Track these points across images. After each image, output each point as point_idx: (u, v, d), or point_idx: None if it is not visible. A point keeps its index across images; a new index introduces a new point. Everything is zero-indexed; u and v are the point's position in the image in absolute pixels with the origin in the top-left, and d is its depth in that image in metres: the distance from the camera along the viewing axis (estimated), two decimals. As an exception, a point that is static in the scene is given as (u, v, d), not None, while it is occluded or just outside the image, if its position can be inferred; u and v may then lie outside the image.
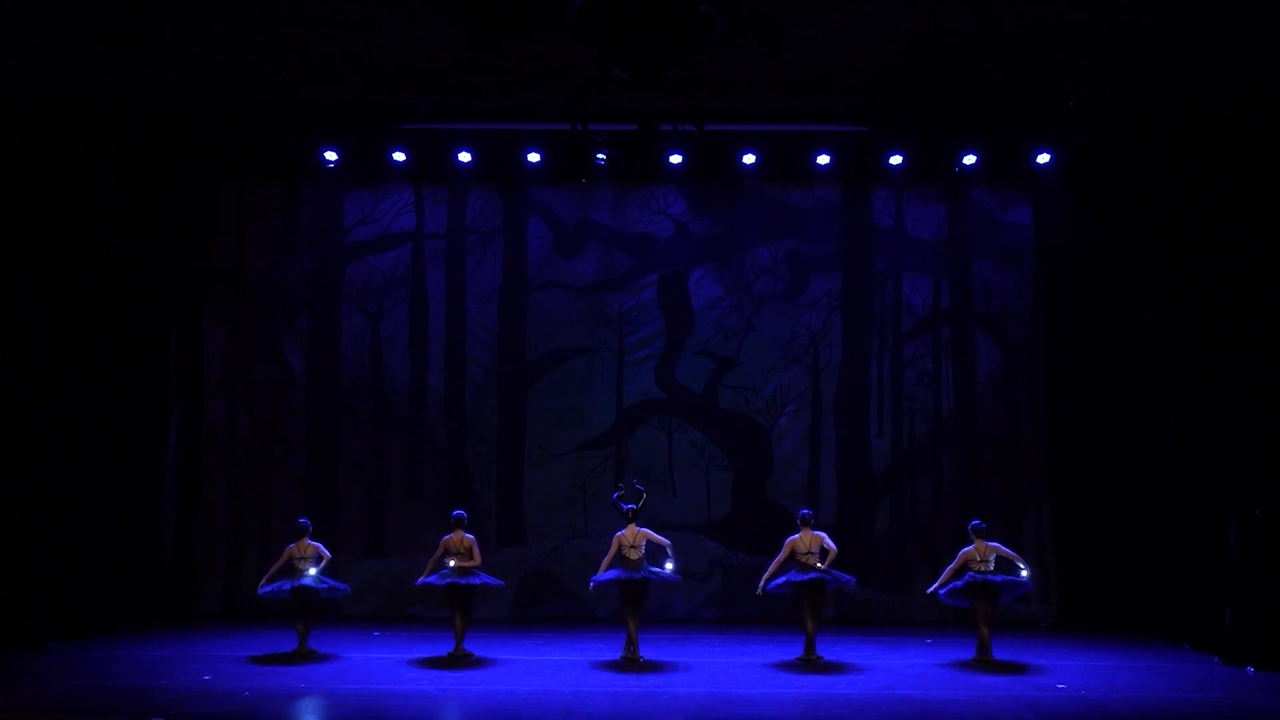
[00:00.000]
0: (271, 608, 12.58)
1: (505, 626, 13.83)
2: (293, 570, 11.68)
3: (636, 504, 11.76)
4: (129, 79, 12.05)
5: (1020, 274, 14.74)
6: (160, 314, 14.45)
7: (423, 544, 13.87)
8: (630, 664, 11.43)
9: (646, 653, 11.71)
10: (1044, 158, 14.04)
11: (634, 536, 11.53)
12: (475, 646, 11.94)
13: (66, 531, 12.78)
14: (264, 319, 14.87)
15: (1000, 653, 11.65)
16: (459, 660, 11.53)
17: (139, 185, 13.95)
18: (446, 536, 11.77)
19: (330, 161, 14.36)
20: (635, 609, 11.58)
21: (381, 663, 11.46)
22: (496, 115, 13.61)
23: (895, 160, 14.26)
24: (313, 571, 11.62)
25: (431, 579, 11.65)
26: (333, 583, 11.90)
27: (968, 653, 11.78)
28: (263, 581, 11.72)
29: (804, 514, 11.79)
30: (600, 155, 13.99)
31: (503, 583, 12.36)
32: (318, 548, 11.78)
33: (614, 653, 11.75)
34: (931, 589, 11.68)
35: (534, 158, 14.25)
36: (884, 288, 14.86)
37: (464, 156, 14.25)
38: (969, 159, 14.23)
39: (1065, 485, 14.35)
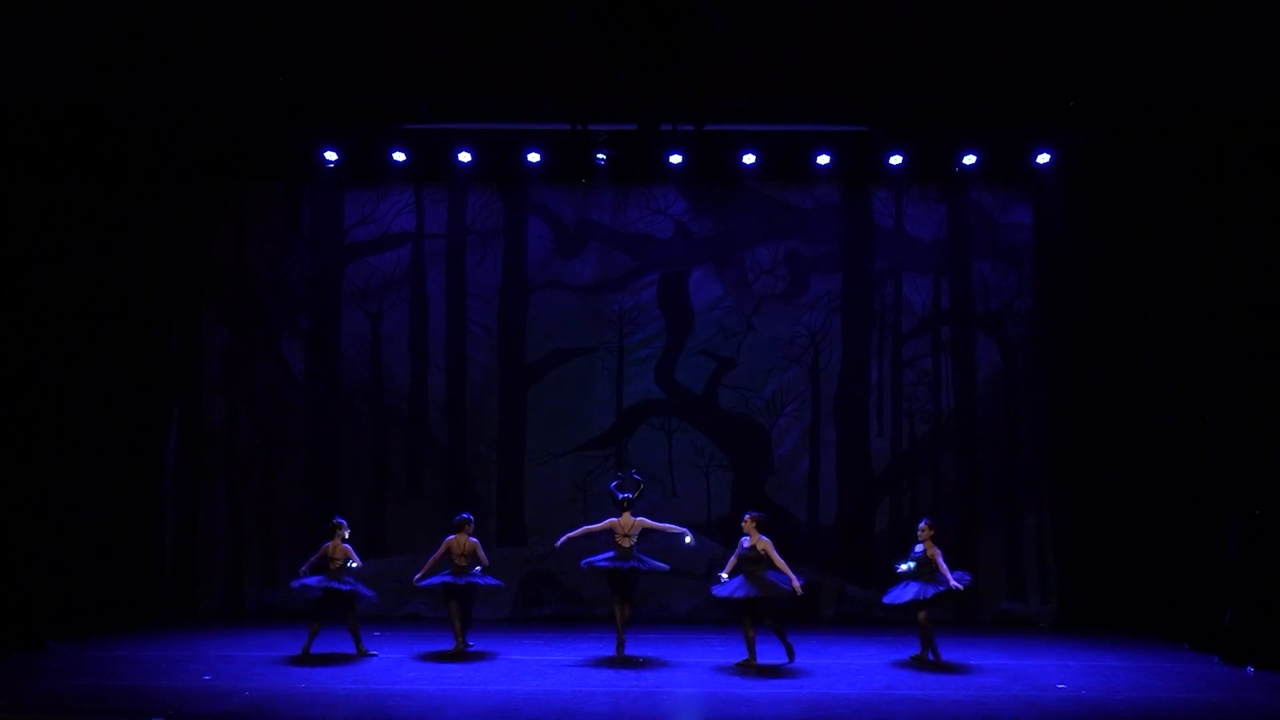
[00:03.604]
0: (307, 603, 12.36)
1: (505, 626, 13.84)
2: (326, 569, 11.64)
3: (633, 494, 11.80)
4: (130, 78, 12.05)
5: (1020, 274, 14.75)
6: (160, 313, 14.47)
7: (423, 544, 13.87)
8: (626, 662, 11.42)
9: (647, 652, 11.72)
10: (1044, 158, 14.05)
11: (629, 525, 11.60)
12: (475, 647, 11.95)
13: (66, 531, 12.78)
14: (263, 319, 14.87)
15: (1000, 653, 11.64)
16: (460, 655, 11.55)
17: (139, 185, 13.96)
18: (450, 538, 11.74)
19: (330, 161, 14.37)
20: (625, 599, 11.65)
21: (381, 662, 11.45)
22: (496, 115, 13.65)
23: (895, 160, 14.27)
24: (353, 564, 11.58)
25: (431, 581, 11.64)
26: (361, 588, 11.77)
27: (968, 653, 11.81)
28: (301, 575, 11.59)
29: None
30: (600, 155, 14.04)
31: (501, 583, 12.35)
32: (349, 550, 11.64)
33: (614, 652, 11.75)
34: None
35: (534, 158, 14.26)
36: (884, 288, 14.86)
37: (464, 156, 14.26)
38: (969, 159, 14.24)
39: (1065, 485, 14.35)
